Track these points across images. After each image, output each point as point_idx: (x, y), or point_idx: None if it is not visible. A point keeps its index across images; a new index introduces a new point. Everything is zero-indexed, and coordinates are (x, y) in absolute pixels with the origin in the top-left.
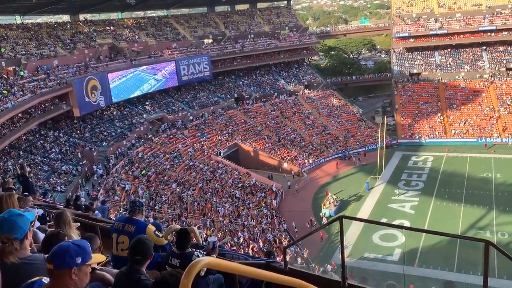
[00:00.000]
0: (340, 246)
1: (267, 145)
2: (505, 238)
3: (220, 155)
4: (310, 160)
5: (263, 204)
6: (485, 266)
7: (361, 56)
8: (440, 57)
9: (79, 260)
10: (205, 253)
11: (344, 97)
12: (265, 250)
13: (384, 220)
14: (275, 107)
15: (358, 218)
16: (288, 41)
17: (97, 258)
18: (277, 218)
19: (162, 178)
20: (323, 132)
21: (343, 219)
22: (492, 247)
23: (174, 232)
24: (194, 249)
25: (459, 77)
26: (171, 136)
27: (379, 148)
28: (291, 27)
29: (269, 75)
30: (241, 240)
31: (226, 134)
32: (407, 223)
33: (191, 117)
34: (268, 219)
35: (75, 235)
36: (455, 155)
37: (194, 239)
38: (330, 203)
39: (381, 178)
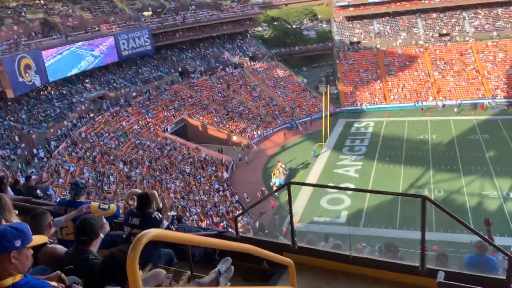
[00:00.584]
0: (289, 208)
1: (215, 119)
2: (441, 194)
3: (167, 131)
4: (259, 132)
5: (214, 178)
6: (422, 221)
7: (303, 26)
8: (378, 25)
9: (18, 243)
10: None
11: (289, 68)
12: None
13: (331, 185)
14: (221, 80)
15: (304, 183)
16: (231, 12)
17: (38, 239)
18: (228, 190)
19: (108, 158)
20: (270, 104)
21: (291, 185)
22: (428, 202)
23: (134, 196)
24: (153, 211)
25: (396, 44)
26: (115, 114)
27: (323, 116)
28: None
29: (213, 48)
30: (194, 215)
31: (173, 110)
32: (352, 186)
33: (134, 94)
34: (220, 193)
35: (16, 221)
36: (395, 119)
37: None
38: (279, 172)
39: (326, 146)
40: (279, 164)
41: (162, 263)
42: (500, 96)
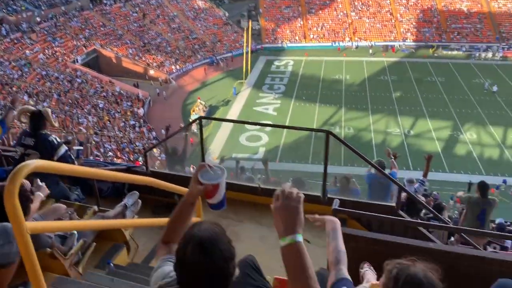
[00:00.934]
0: (200, 142)
1: (130, 51)
2: (351, 131)
3: (77, 62)
4: (178, 67)
5: (130, 114)
6: (325, 153)
7: None
8: None
9: None
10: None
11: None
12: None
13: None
14: (137, 9)
15: (214, 118)
16: None
17: None
18: (145, 127)
19: (10, 90)
20: (190, 37)
21: (202, 119)
22: (331, 136)
23: (28, 114)
24: (50, 133)
25: None
26: (16, 41)
27: (245, 53)
28: None
29: None
30: (109, 152)
31: (83, 39)
32: (271, 123)
33: (38, 19)
34: (136, 129)
35: None
36: (313, 58)
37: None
38: (199, 109)
39: (247, 83)
40: (199, 100)
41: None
42: (410, 39)
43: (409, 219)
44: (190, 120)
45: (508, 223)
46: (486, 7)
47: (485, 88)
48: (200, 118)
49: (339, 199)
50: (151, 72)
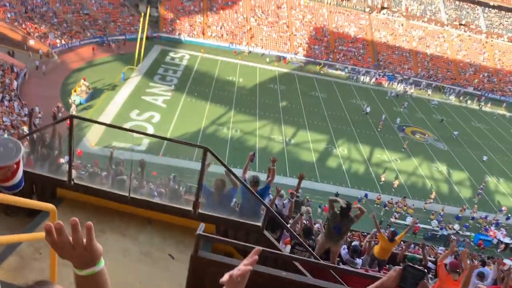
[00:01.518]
0: (69, 142)
1: (9, 15)
2: (237, 133)
3: None
4: (63, 41)
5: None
6: (201, 170)
7: None
8: None
9: None
10: None
11: None
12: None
13: (136, 111)
14: None
15: (88, 119)
16: None
17: None
18: (17, 101)
19: None
20: (81, 11)
21: (73, 118)
22: (209, 153)
23: None
24: None
25: None
26: None
27: (139, 38)
28: None
29: None
30: None
31: None
32: (157, 116)
33: None
34: (5, 102)
35: None
36: (209, 56)
37: None
38: (81, 90)
39: (138, 70)
40: (83, 81)
41: None
42: (301, 54)
43: (272, 239)
44: (70, 101)
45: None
46: (370, 35)
47: (364, 110)
48: (71, 117)
49: (210, 215)
50: (31, 42)
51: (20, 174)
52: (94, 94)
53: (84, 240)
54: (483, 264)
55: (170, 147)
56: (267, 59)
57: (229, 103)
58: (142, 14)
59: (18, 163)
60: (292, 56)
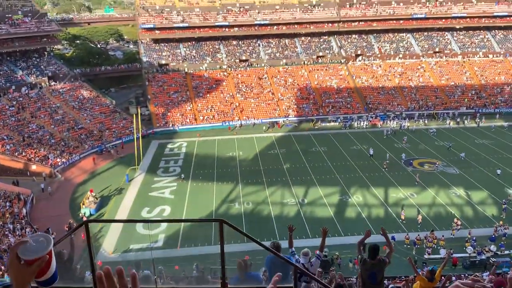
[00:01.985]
0: (88, 249)
1: (8, 147)
2: (249, 206)
3: None
4: (63, 159)
5: (9, 216)
6: (221, 243)
7: (109, 46)
8: (184, 49)
9: None
10: None
11: (96, 89)
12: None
13: (146, 209)
14: (15, 102)
15: (104, 220)
16: (23, 27)
17: None
18: (29, 227)
19: None
20: (75, 127)
21: (88, 223)
22: (225, 225)
23: None
24: None
25: (202, 67)
26: None
27: (135, 139)
28: (25, 11)
29: (3, 66)
30: None
31: None
32: (168, 208)
33: None
34: (17, 232)
35: None
36: (206, 139)
37: None
38: (89, 201)
39: (140, 168)
40: (90, 193)
41: None
42: (292, 115)
43: None
44: (81, 215)
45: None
46: (352, 83)
47: (368, 153)
48: (86, 222)
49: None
50: (33, 167)
51: (53, 267)
52: (103, 202)
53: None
54: None
55: (187, 236)
56: (264, 127)
57: (234, 178)
58: (134, 115)
59: (50, 254)
60: (285, 119)
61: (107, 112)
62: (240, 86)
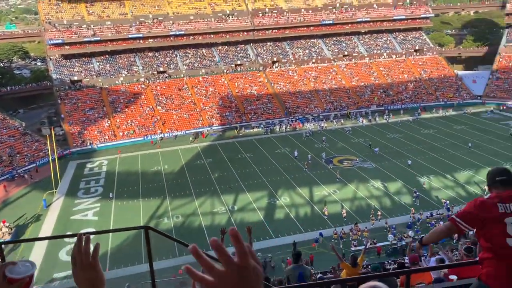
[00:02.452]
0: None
1: None
2: (180, 220)
3: None
4: None
5: None
6: (148, 250)
7: (13, 64)
8: (98, 63)
9: None
10: None
11: (1, 111)
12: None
13: (69, 234)
14: None
15: (17, 240)
16: None
17: None
18: None
19: None
20: None
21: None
22: (151, 231)
23: None
24: None
25: (119, 81)
26: None
27: (51, 161)
28: None
29: None
30: None
31: None
32: (92, 230)
33: None
34: None
35: None
36: (127, 155)
37: None
38: (3, 233)
39: (58, 192)
40: (3, 224)
41: None
42: (216, 124)
43: None
44: None
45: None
46: (271, 89)
47: (295, 155)
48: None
49: None
50: None
51: None
52: (19, 232)
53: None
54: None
55: (115, 257)
56: (191, 138)
57: (161, 192)
58: (47, 136)
59: (31, 278)
60: (209, 129)
61: (16, 135)
62: (160, 98)
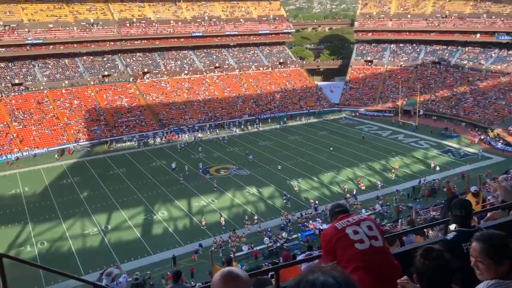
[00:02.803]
0: None
1: None
2: (45, 246)
3: None
4: None
5: None
6: (2, 279)
7: None
8: None
9: None
10: None
11: None
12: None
13: None
14: None
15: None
16: None
17: None
18: None
19: None
20: None
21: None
22: (6, 259)
23: None
24: None
25: None
26: None
27: None
28: None
29: None
30: None
31: None
32: None
33: None
34: None
35: None
36: None
37: None
38: None
39: None
40: None
41: None
42: (83, 139)
43: None
44: None
45: None
46: (143, 100)
47: (173, 167)
48: None
49: None
50: None
51: None
52: None
53: None
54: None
55: None
56: (56, 156)
57: (22, 218)
58: None
59: None
60: (75, 145)
61: None
62: (16, 113)
